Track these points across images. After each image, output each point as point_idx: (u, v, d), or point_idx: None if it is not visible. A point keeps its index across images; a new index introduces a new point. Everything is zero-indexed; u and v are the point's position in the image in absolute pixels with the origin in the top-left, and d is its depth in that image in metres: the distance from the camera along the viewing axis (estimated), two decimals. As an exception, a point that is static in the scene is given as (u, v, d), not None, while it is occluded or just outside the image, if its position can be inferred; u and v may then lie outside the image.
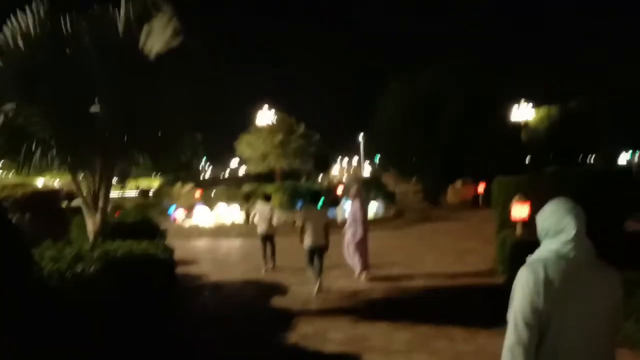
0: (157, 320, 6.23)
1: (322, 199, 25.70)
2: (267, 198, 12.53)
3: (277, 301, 8.51)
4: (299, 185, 25.69)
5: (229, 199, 22.09)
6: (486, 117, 41.25)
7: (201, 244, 17.36)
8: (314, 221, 9.11)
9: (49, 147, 6.99)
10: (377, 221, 22.08)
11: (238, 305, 8.45)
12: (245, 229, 19.44)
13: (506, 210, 12.13)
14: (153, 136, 7.72)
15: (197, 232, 19.72)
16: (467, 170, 44.75)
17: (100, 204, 7.44)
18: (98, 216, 7.41)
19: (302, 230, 9.16)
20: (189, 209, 22.80)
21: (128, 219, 8.77)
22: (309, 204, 10.30)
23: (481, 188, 32.70)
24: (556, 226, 2.30)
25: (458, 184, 41.09)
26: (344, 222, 10.95)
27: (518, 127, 49.90)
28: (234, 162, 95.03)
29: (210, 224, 20.68)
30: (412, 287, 9.38)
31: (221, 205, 21.46)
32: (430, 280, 9.90)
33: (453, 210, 30.13)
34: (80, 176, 7.77)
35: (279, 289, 9.43)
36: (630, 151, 63.32)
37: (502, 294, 3.00)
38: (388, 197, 25.47)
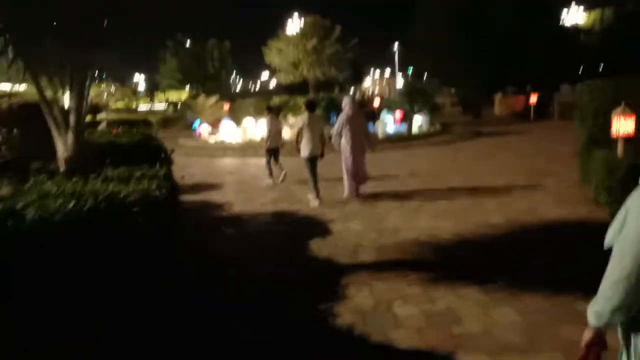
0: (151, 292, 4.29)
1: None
2: (273, 110, 11.84)
3: (317, 246, 6.50)
4: (335, 97, 23.18)
5: (258, 113, 19.89)
6: (535, 20, 37.21)
7: (226, 163, 15.44)
8: (311, 129, 8.72)
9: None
10: (422, 136, 19.74)
11: (264, 253, 6.48)
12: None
13: (598, 124, 9.77)
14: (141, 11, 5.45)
15: (223, 149, 17.79)
16: (515, 79, 41.28)
17: (72, 118, 5.34)
18: (69, 136, 5.34)
19: (298, 139, 8.80)
20: (215, 124, 20.81)
21: (123, 139, 6.69)
22: (307, 112, 9.19)
23: (534, 98, 29.60)
24: None
25: (506, 94, 37.82)
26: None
27: (573, 32, 45.29)
28: (265, 75, 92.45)
29: (237, 140, 18.70)
30: (490, 225, 7.21)
31: (249, 120, 19.34)
32: (509, 214, 7.71)
33: (503, 123, 27.35)
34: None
35: (318, 227, 7.43)
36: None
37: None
38: (435, 110, 22.81)
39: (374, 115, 30.58)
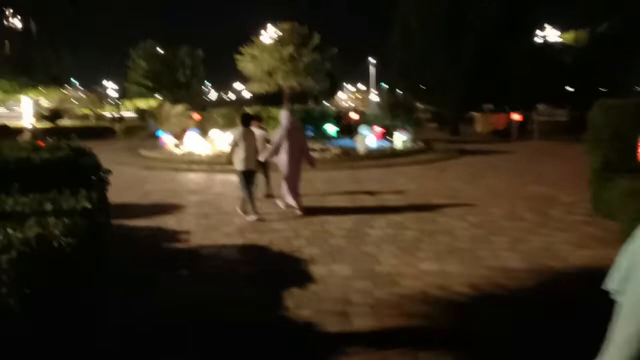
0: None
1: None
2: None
3: (293, 301, 4.98)
4: (310, 109, 21.77)
5: (228, 125, 18.30)
6: (511, 39, 36.70)
7: (191, 179, 13.78)
8: (247, 142, 8.52)
9: None
10: (405, 153, 18.44)
11: (224, 310, 4.93)
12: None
13: (616, 148, 8.65)
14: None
15: (189, 162, 16.11)
16: (491, 97, 40.66)
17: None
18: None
19: (232, 152, 8.65)
20: (182, 135, 19.11)
21: (43, 155, 5.04)
22: (242, 126, 8.74)
23: (516, 117, 28.81)
24: None
25: (487, 112, 37.09)
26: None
27: (549, 52, 45.18)
28: (239, 85, 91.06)
29: (205, 153, 17.06)
30: (507, 271, 5.82)
31: (216, 132, 17.73)
32: (525, 255, 6.34)
33: (484, 141, 26.39)
34: None
35: (296, 270, 5.91)
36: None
37: None
38: (417, 126, 21.60)
39: (350, 129, 29.38)
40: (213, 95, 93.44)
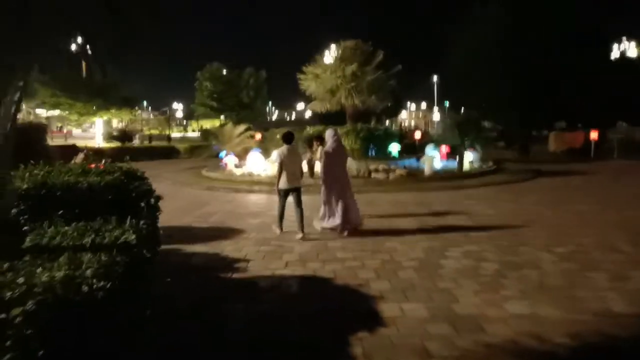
0: None
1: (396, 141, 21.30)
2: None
3: (362, 350, 4.32)
4: (374, 128, 21.13)
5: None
6: (585, 53, 34.64)
7: (252, 200, 13.43)
8: (290, 162, 8.43)
9: None
10: (475, 175, 17.41)
11: (286, 357, 4.33)
12: (310, 181, 15.32)
13: None
14: None
15: (250, 183, 15.84)
16: (562, 114, 38.50)
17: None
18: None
19: (280, 173, 8.46)
20: (243, 155, 18.97)
21: (90, 179, 4.67)
22: (285, 145, 8.60)
23: (594, 135, 26.95)
24: None
25: (562, 130, 35.08)
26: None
27: (627, 67, 42.42)
28: (301, 105, 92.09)
29: (267, 174, 16.76)
30: (614, 317, 4.93)
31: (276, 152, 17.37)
32: (633, 298, 5.39)
33: (560, 162, 24.77)
34: None
35: (363, 309, 5.24)
36: None
37: None
38: (489, 144, 20.48)
39: (414, 149, 28.44)
40: (275, 115, 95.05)
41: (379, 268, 6.70)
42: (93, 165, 5.47)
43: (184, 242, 8.22)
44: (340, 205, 8.53)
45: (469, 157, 18.36)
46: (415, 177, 16.44)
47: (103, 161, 6.22)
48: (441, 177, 16.49)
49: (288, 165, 8.43)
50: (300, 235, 8.34)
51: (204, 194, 14.48)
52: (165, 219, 10.47)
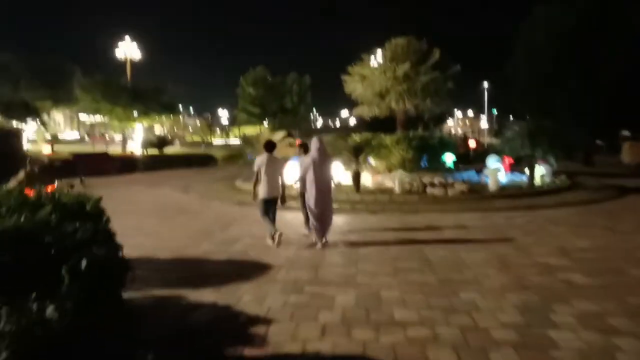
0: None
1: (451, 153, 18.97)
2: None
3: None
4: (428, 136, 18.82)
5: (334, 153, 15.90)
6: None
7: (286, 221, 11.43)
8: (270, 171, 8.35)
9: None
10: (548, 191, 14.88)
11: None
12: (356, 197, 13.28)
13: None
14: None
15: (288, 197, 13.82)
16: (631, 122, 35.02)
17: None
18: None
19: (257, 181, 8.37)
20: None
21: (5, 225, 2.76)
22: (265, 152, 8.57)
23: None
24: None
25: (637, 140, 31.65)
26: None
27: None
28: (345, 112, 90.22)
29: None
30: None
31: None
32: None
33: (637, 175, 21.72)
34: None
35: None
36: None
37: None
38: (569, 155, 17.82)
39: (468, 159, 25.86)
40: (319, 122, 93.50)
41: (459, 343, 4.52)
42: (31, 192, 3.55)
43: (190, 284, 6.27)
44: (319, 215, 8.33)
45: (541, 171, 15.83)
46: (478, 193, 14.07)
47: (55, 182, 4.32)
48: (509, 194, 14.06)
49: (268, 174, 8.30)
50: (270, 241, 8.35)
51: (232, 211, 12.59)
52: (178, 245, 8.57)
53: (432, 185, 14.68)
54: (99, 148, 34.79)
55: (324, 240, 8.39)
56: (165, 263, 7.51)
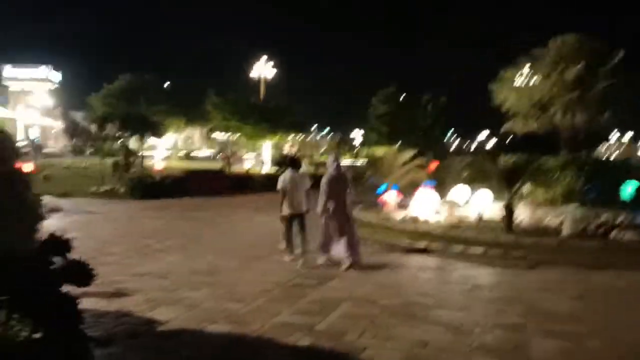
0: None
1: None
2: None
3: None
4: (603, 159, 14.43)
5: (477, 179, 12.39)
6: None
7: (412, 269, 8.23)
8: (293, 188, 8.45)
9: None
10: None
11: None
12: (508, 239, 9.73)
13: None
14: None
15: (413, 233, 10.71)
16: None
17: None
18: None
19: (282, 199, 8.50)
20: (409, 190, 13.86)
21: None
22: (290, 169, 8.79)
23: None
24: None
25: None
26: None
27: None
28: (483, 135, 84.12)
29: (438, 220, 11.54)
30: None
31: (459, 190, 12.02)
32: None
33: None
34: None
35: None
36: None
37: None
38: None
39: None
40: (455, 145, 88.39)
41: None
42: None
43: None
44: (343, 237, 8.07)
45: None
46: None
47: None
48: None
49: (291, 191, 8.42)
50: (289, 257, 8.39)
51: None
52: (230, 315, 5.58)
53: (619, 228, 10.59)
54: (223, 166, 34.43)
55: (351, 258, 7.95)
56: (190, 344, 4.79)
